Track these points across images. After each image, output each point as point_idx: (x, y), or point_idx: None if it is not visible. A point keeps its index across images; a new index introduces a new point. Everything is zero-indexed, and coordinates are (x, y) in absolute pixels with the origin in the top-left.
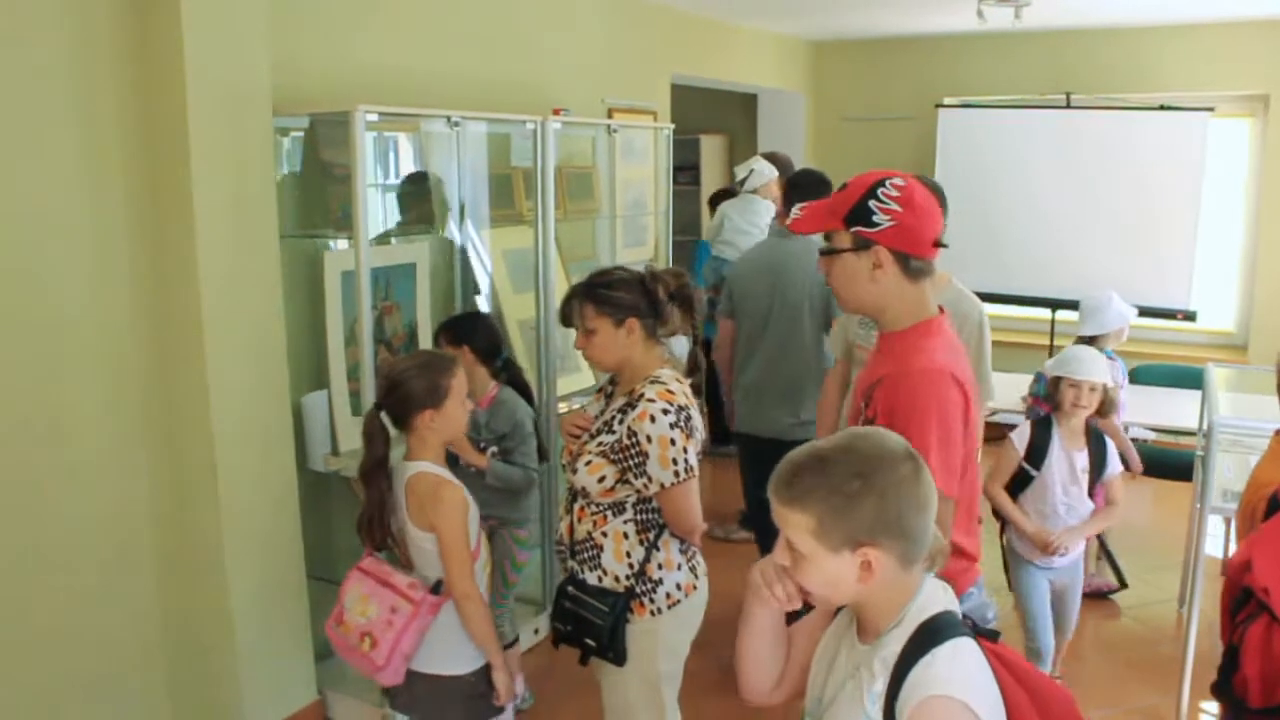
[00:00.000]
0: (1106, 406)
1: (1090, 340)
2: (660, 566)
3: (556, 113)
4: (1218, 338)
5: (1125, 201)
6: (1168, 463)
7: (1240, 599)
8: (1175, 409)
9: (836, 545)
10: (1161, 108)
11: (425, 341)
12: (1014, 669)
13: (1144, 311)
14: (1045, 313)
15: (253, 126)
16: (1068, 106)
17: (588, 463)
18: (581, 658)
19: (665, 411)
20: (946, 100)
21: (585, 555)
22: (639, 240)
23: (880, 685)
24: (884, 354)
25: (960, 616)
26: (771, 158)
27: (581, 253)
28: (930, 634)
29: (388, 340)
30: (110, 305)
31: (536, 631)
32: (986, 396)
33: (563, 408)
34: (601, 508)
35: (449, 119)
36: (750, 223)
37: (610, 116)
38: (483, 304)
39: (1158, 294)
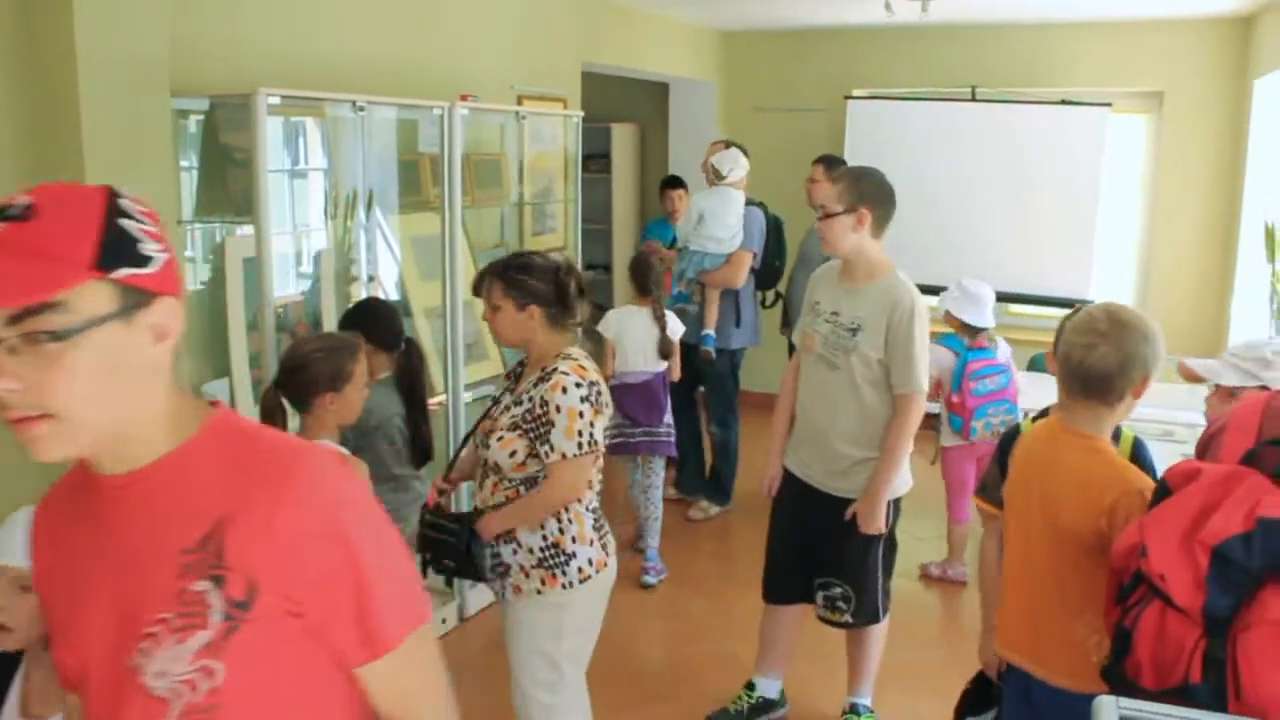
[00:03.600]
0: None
1: (979, 331)
2: (574, 540)
3: (464, 99)
4: None
5: (1028, 193)
6: None
7: (1129, 584)
8: None
9: None
10: (1062, 102)
11: (329, 329)
12: None
13: (1044, 301)
14: None
15: (150, 107)
16: (973, 100)
17: (500, 438)
18: (447, 580)
19: (578, 385)
20: (856, 92)
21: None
22: (547, 228)
23: None
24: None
25: None
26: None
27: (489, 240)
28: None
29: (291, 328)
30: None
31: (444, 621)
32: (915, 387)
33: (469, 396)
34: (514, 482)
35: (354, 104)
36: (735, 215)
37: (519, 103)
38: (391, 292)
39: (1058, 284)
